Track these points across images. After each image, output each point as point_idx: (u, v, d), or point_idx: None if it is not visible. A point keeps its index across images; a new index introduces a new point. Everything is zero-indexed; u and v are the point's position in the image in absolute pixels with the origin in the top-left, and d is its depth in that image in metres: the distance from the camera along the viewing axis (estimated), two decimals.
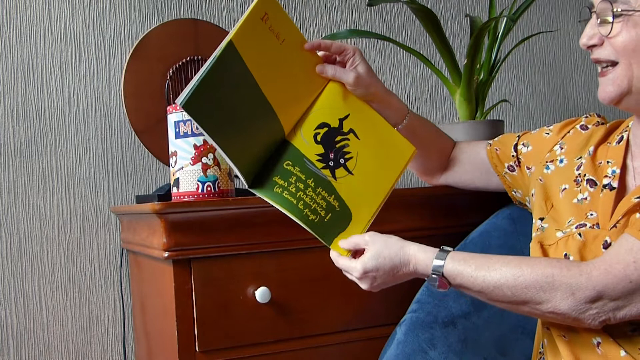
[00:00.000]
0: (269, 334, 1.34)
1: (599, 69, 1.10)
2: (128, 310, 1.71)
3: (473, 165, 1.40)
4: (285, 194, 1.14)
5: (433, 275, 1.09)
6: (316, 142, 1.20)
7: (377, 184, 1.23)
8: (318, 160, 1.19)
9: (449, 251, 1.10)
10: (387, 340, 1.35)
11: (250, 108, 1.13)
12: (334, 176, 1.19)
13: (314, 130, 1.21)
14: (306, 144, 1.19)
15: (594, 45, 1.09)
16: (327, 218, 1.16)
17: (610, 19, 1.05)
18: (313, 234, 1.15)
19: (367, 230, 1.19)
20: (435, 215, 1.47)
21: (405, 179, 1.97)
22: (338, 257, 1.17)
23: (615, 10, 1.04)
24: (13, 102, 1.66)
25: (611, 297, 0.98)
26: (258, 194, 1.14)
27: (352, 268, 1.14)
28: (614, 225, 1.07)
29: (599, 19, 1.07)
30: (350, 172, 1.21)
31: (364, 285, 1.15)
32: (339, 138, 1.21)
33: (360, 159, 1.22)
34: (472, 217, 1.45)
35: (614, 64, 1.08)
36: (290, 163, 1.17)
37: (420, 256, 1.11)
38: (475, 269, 1.07)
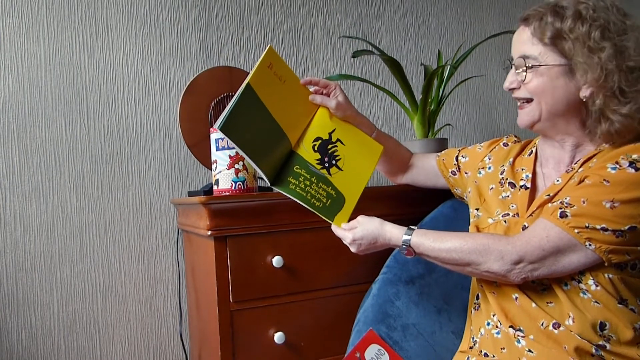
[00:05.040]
0: (281, 289, 1.33)
1: (519, 103, 1.10)
2: (182, 273, 1.70)
3: (426, 170, 1.39)
4: (298, 189, 1.15)
5: (403, 246, 1.09)
6: (314, 150, 1.20)
7: (360, 175, 1.23)
8: (317, 163, 1.19)
9: (414, 229, 1.10)
10: (365, 293, 1.34)
11: (266, 129, 1.13)
12: (329, 173, 1.19)
13: (312, 142, 1.20)
14: (308, 153, 1.19)
15: (513, 88, 1.08)
16: (327, 203, 1.16)
17: (524, 70, 1.04)
18: (319, 215, 1.16)
19: (353, 210, 1.20)
20: (399, 205, 1.46)
21: (378, 179, 1.96)
22: (337, 229, 1.17)
23: (527, 65, 1.03)
24: (101, 125, 1.65)
25: (529, 261, 0.98)
26: (278, 190, 1.14)
27: (345, 236, 1.15)
28: (530, 214, 1.07)
29: (517, 70, 1.06)
30: (340, 169, 1.21)
31: (352, 249, 1.16)
32: (330, 146, 1.21)
33: (346, 159, 1.22)
34: (425, 207, 1.44)
35: (529, 100, 1.07)
36: (299, 167, 1.17)
37: (394, 232, 1.11)
38: (433, 241, 1.06)
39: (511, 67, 1.08)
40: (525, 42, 1.04)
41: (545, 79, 1.02)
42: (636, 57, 0.97)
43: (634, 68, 0.97)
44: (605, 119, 0.99)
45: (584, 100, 1.00)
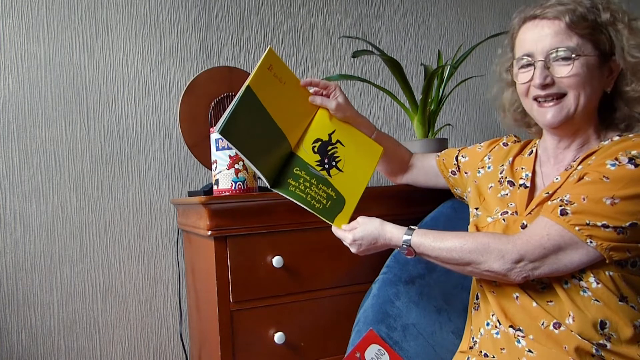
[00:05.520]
0: (281, 289, 1.33)
1: (540, 101, 1.05)
2: (182, 273, 1.69)
3: (426, 170, 1.39)
4: (298, 191, 1.14)
5: (403, 246, 1.09)
6: (314, 152, 1.20)
7: (360, 176, 1.23)
8: (317, 165, 1.19)
9: (414, 229, 1.10)
10: (365, 293, 1.34)
11: (266, 131, 1.12)
12: (329, 175, 1.19)
13: (312, 144, 1.20)
14: (307, 154, 1.19)
15: (547, 84, 1.03)
16: (327, 204, 1.16)
17: (563, 62, 1.01)
18: (319, 216, 1.15)
19: (354, 211, 1.19)
20: (399, 206, 1.46)
21: (377, 179, 1.96)
22: (337, 230, 1.17)
23: (570, 55, 1.01)
24: (101, 125, 1.65)
25: (530, 260, 0.98)
26: (278, 192, 1.14)
27: (346, 237, 1.15)
28: (529, 213, 1.07)
29: (548, 66, 1.03)
30: (340, 170, 1.20)
31: (353, 249, 1.16)
32: (330, 147, 1.21)
33: (346, 160, 1.22)
34: (425, 206, 1.44)
35: (560, 96, 1.03)
36: (299, 169, 1.17)
37: (395, 232, 1.11)
38: (433, 240, 1.06)
39: (534, 65, 1.04)
40: (556, 35, 1.01)
41: (586, 70, 1.01)
42: None
43: None
44: (634, 102, 1.04)
45: (608, 92, 1.04)
